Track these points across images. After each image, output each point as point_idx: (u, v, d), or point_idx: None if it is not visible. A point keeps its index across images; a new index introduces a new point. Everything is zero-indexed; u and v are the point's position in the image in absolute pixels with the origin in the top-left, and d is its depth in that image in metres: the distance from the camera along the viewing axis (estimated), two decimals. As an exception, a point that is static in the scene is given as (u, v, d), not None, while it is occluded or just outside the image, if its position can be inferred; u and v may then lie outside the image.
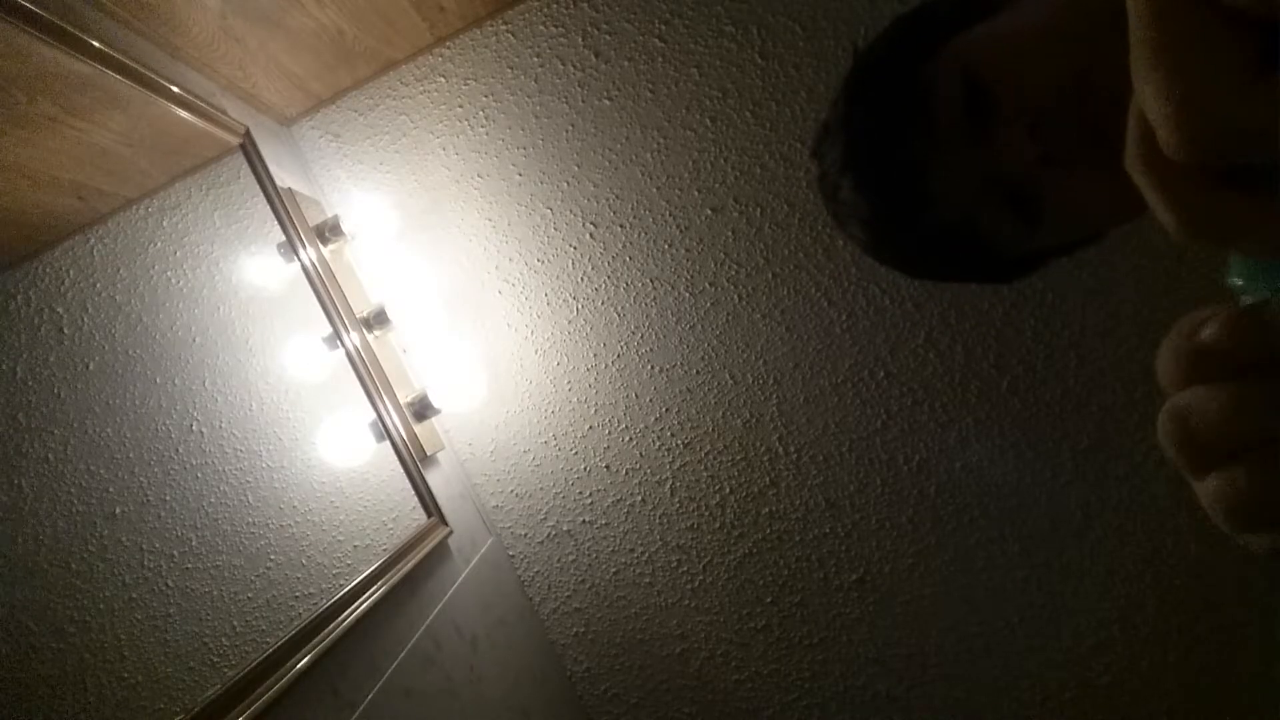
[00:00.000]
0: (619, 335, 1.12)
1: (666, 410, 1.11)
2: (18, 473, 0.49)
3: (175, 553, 0.58)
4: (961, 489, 1.06)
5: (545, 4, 1.09)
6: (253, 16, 0.91)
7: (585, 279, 1.12)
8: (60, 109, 0.65)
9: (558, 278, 1.12)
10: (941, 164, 0.54)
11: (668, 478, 1.12)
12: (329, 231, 1.04)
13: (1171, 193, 0.17)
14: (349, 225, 1.05)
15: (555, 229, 1.12)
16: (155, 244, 0.72)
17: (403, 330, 1.13)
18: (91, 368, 0.58)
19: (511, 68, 1.11)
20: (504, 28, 1.10)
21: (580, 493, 1.14)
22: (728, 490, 1.11)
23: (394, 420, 0.96)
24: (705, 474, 1.11)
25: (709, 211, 1.08)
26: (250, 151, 0.94)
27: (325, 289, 0.96)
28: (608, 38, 1.08)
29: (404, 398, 1.02)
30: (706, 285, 1.09)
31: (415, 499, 0.95)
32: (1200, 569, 1.02)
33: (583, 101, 1.10)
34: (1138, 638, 1.04)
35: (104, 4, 0.77)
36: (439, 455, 1.08)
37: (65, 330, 0.57)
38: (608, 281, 1.11)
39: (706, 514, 1.12)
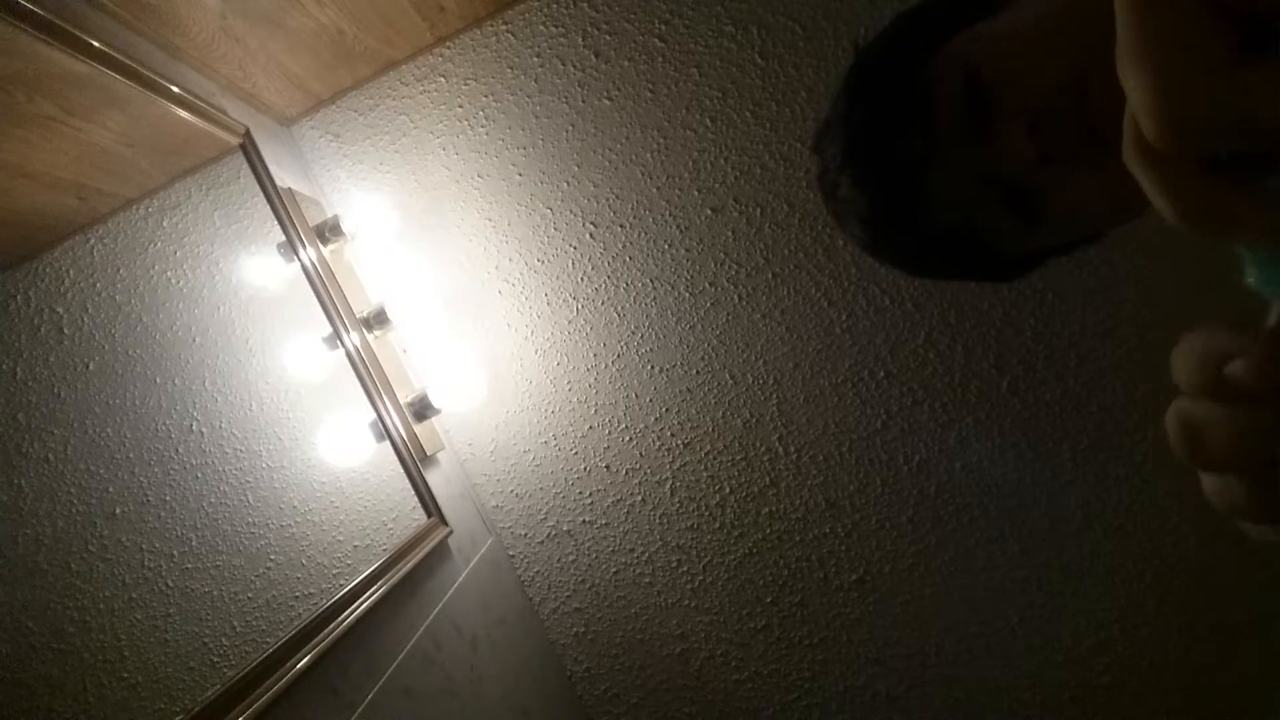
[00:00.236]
0: (619, 335, 1.12)
1: (666, 410, 1.11)
2: (18, 473, 0.49)
3: (175, 553, 0.58)
4: (961, 489, 1.06)
5: (545, 4, 1.09)
6: (253, 16, 0.91)
7: (585, 279, 1.12)
8: (60, 109, 0.65)
9: (558, 278, 1.12)
10: (941, 162, 0.54)
11: (668, 478, 1.12)
12: (329, 231, 1.04)
13: (1167, 181, 0.17)
14: (349, 225, 1.05)
15: (555, 229, 1.12)
16: (155, 244, 0.72)
17: (403, 330, 1.13)
18: (91, 368, 0.58)
19: (511, 68, 1.11)
20: (504, 28, 1.10)
21: (580, 493, 1.14)
22: (728, 490, 1.11)
23: (394, 420, 0.96)
24: (705, 474, 1.11)
25: (709, 211, 1.08)
26: (250, 151, 0.94)
27: (325, 289, 0.96)
28: (608, 38, 1.08)
29: (404, 398, 1.02)
30: (706, 285, 1.09)
31: (415, 499, 0.95)
32: (1200, 569, 1.02)
33: (583, 101, 1.10)
34: (1138, 638, 1.04)
35: (104, 4, 0.77)
36: (439, 455, 1.08)
37: (65, 330, 0.57)
38: (608, 281, 1.11)
39: (706, 514, 1.12)
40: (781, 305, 1.07)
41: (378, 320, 1.03)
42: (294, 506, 0.75)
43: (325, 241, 1.03)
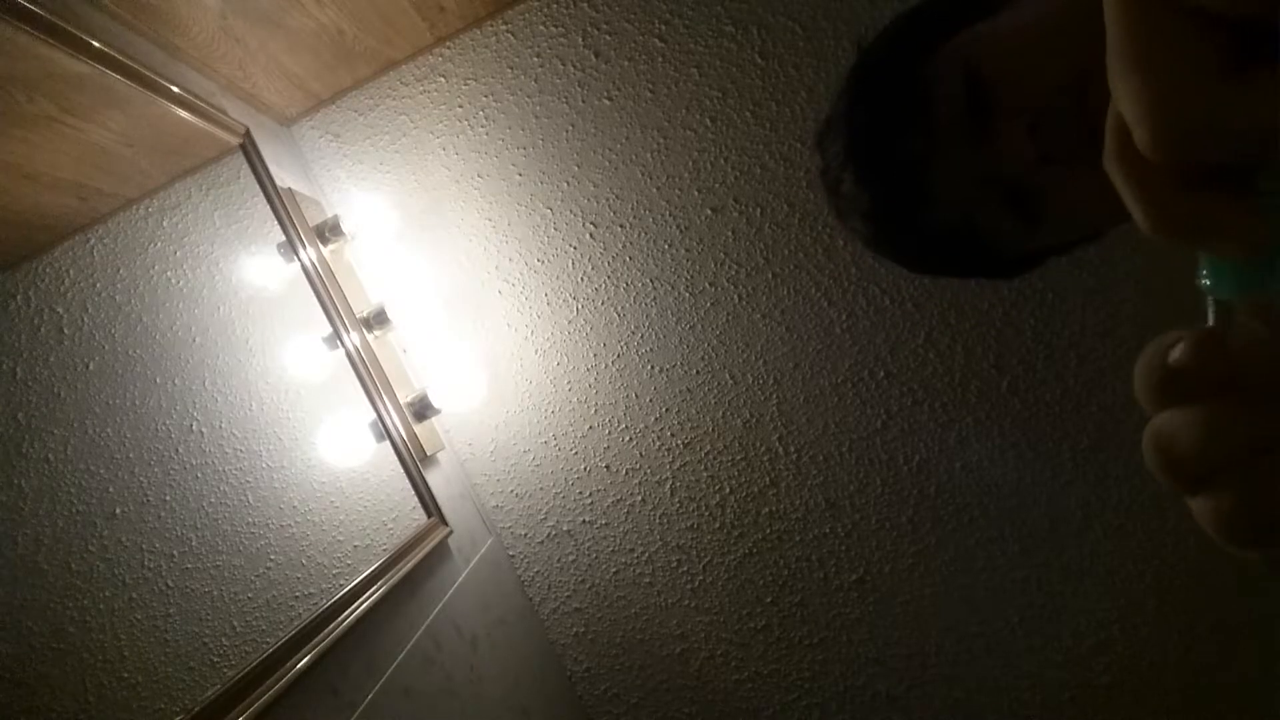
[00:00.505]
0: (619, 335, 1.12)
1: (666, 410, 1.11)
2: (18, 473, 0.49)
3: (175, 553, 0.58)
4: (961, 489, 1.06)
5: (545, 4, 1.09)
6: (253, 16, 0.91)
7: (585, 279, 1.12)
8: (60, 109, 0.65)
9: (558, 278, 1.12)
10: (941, 161, 0.54)
11: (668, 478, 1.12)
12: (329, 231, 1.04)
13: (1144, 191, 0.17)
14: (349, 225, 1.05)
15: (555, 229, 1.12)
16: (155, 244, 0.72)
17: (403, 330, 1.13)
18: (91, 368, 0.58)
19: (511, 68, 1.11)
20: (504, 28, 1.10)
21: (580, 493, 1.14)
22: (728, 490, 1.11)
23: (394, 420, 0.96)
24: (705, 474, 1.11)
25: (709, 211, 1.08)
26: (250, 151, 0.94)
27: (325, 289, 0.96)
28: (608, 38, 1.08)
29: (404, 398, 1.02)
30: (706, 285, 1.09)
31: (415, 499, 0.95)
32: (1200, 569, 1.02)
33: (583, 101, 1.10)
34: (1138, 638, 1.04)
35: (104, 4, 0.77)
36: (439, 455, 1.08)
37: (65, 330, 0.57)
38: (608, 281, 1.11)
39: (706, 514, 1.12)
40: (781, 305, 1.07)
41: (378, 320, 1.03)
42: (294, 506, 0.75)
43: (325, 241, 1.03)
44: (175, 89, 0.81)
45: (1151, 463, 0.18)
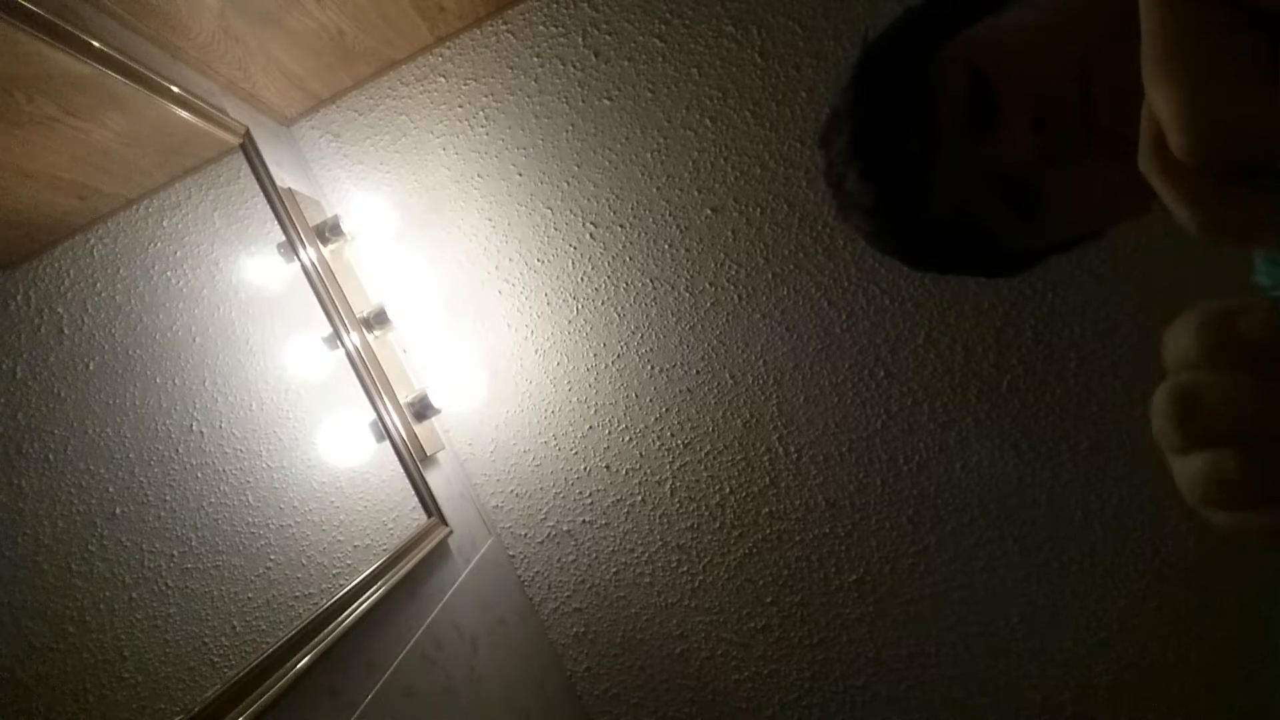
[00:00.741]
0: (619, 335, 1.12)
1: (666, 410, 1.11)
2: (18, 473, 0.49)
3: (175, 553, 0.58)
4: (961, 489, 1.06)
5: (545, 4, 1.09)
6: (253, 16, 0.91)
7: (585, 279, 1.12)
8: (60, 109, 0.65)
9: (558, 278, 1.12)
10: (944, 158, 0.54)
11: (668, 478, 1.12)
12: (329, 231, 1.04)
13: (1188, 193, 0.17)
14: (349, 225, 1.05)
15: (555, 229, 1.12)
16: (155, 244, 0.72)
17: (403, 330, 1.13)
18: (91, 368, 0.58)
19: (511, 68, 1.11)
20: (504, 28, 1.10)
21: (580, 493, 1.14)
22: (728, 490, 1.11)
23: (394, 420, 0.96)
24: (705, 474, 1.11)
25: (709, 211, 1.08)
26: (250, 151, 0.94)
27: (325, 289, 0.96)
28: (608, 38, 1.08)
29: (404, 398, 1.02)
30: (706, 285, 1.09)
31: (415, 499, 0.95)
32: (1200, 569, 1.02)
33: (583, 101, 1.10)
34: (1138, 638, 1.04)
35: (104, 4, 0.77)
36: (439, 455, 1.08)
37: (65, 330, 0.57)
38: (608, 281, 1.11)
39: (706, 514, 1.12)
40: (781, 305, 1.07)
41: (378, 320, 1.03)
42: (294, 506, 0.75)
43: (325, 241, 1.03)
44: (175, 89, 0.81)
45: (1168, 412, 0.18)
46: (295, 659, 0.63)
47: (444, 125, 1.13)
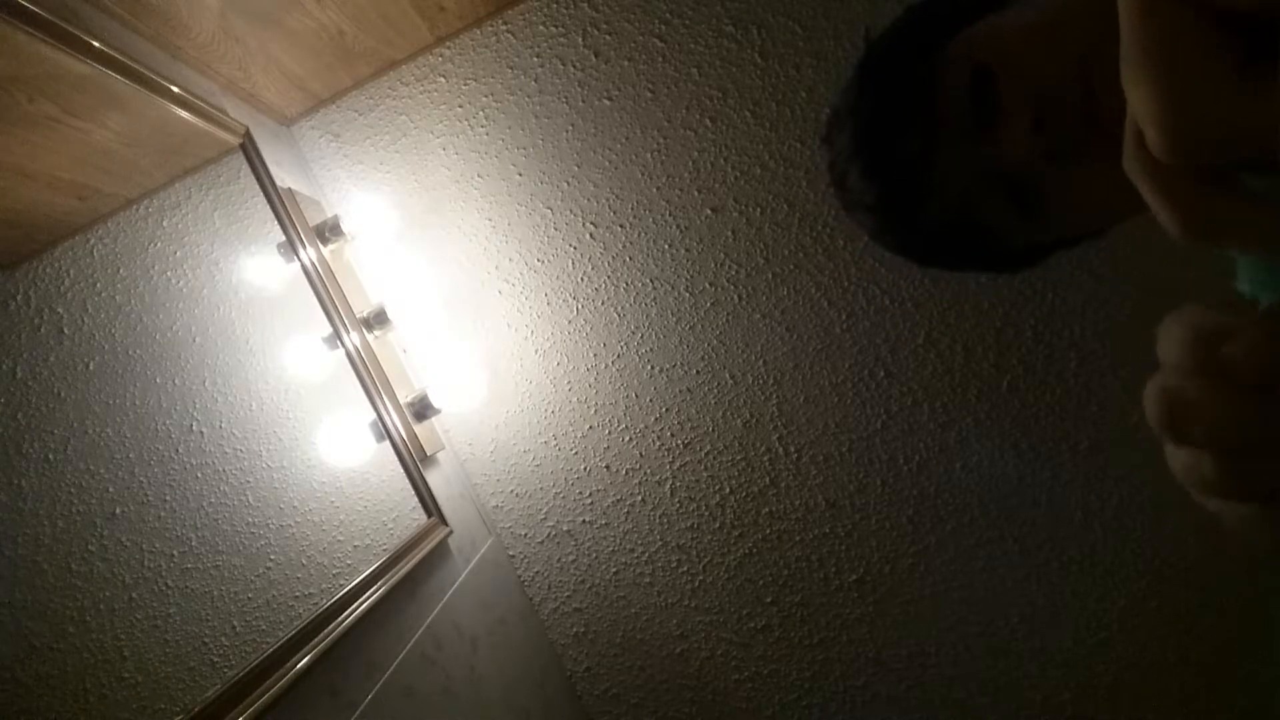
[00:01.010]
0: (619, 335, 1.12)
1: (666, 410, 1.11)
2: (18, 473, 0.49)
3: (175, 553, 0.58)
4: (961, 489, 1.06)
5: (545, 4, 1.09)
6: (253, 16, 0.91)
7: (585, 279, 1.12)
8: (60, 109, 0.65)
9: (558, 278, 1.12)
10: (946, 155, 0.54)
11: (668, 478, 1.12)
12: (329, 231, 1.04)
13: (1169, 194, 0.17)
14: (349, 225, 1.05)
15: (555, 229, 1.12)
16: (155, 244, 0.72)
17: (403, 330, 1.13)
18: (91, 368, 0.58)
19: (511, 68, 1.11)
20: (504, 28, 1.10)
21: (580, 493, 1.14)
22: (728, 490, 1.11)
23: (394, 420, 0.96)
24: (705, 474, 1.11)
25: (709, 211, 1.08)
26: (250, 151, 0.94)
27: (325, 289, 0.96)
28: (608, 38, 1.08)
29: (404, 398, 1.02)
30: (706, 285, 1.09)
31: (415, 499, 0.95)
32: (1200, 568, 1.02)
33: (583, 101, 1.10)
34: (1138, 638, 1.04)
35: (104, 4, 0.77)
36: (439, 455, 1.08)
37: (65, 330, 0.57)
38: (608, 281, 1.11)
39: (706, 514, 1.12)
40: (781, 305, 1.07)
41: (378, 320, 1.03)
42: (294, 506, 0.75)
43: (325, 241, 1.03)
44: (175, 89, 0.81)
45: (1156, 413, 0.19)
46: (295, 659, 0.63)
47: (444, 125, 1.13)
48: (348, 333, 0.96)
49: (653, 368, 1.11)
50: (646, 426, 1.12)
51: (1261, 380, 0.17)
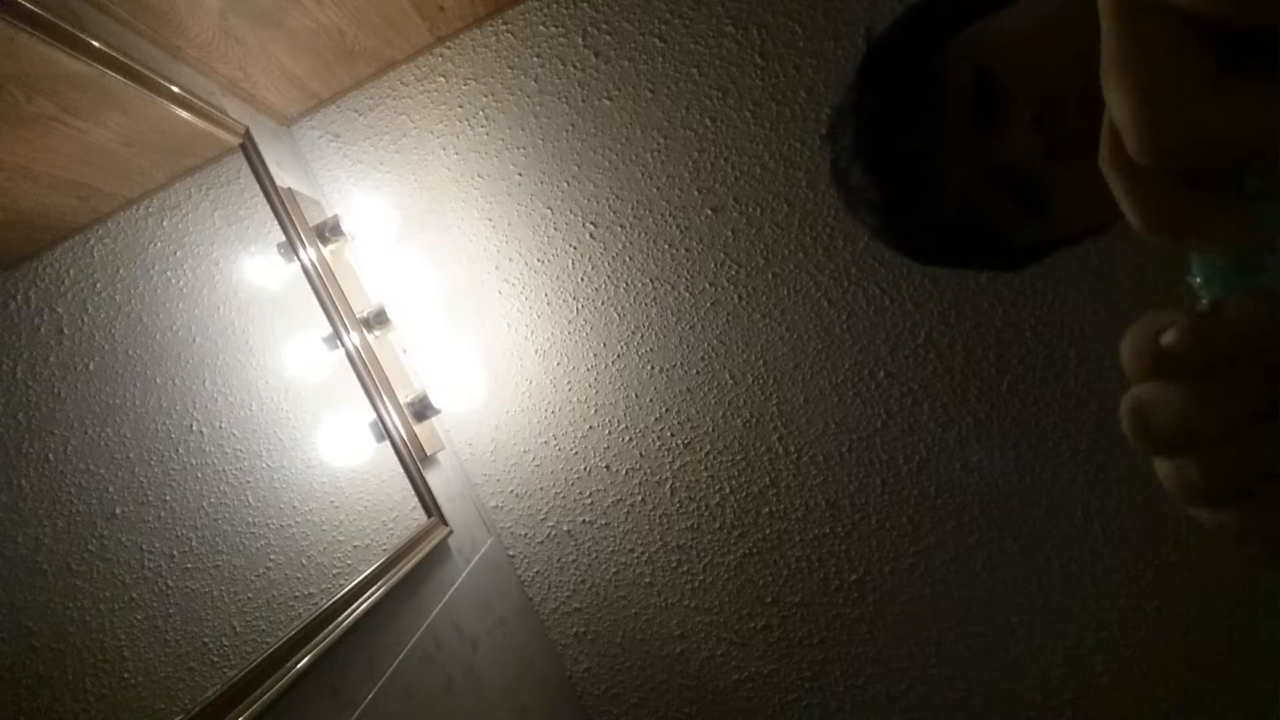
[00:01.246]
0: (619, 335, 1.12)
1: (666, 410, 1.11)
2: (18, 473, 0.49)
3: (175, 553, 0.58)
4: (961, 489, 1.06)
5: (545, 4, 1.09)
6: (253, 16, 0.91)
7: (585, 279, 1.12)
8: (60, 109, 0.65)
9: (558, 278, 1.12)
10: (948, 153, 0.54)
11: (668, 478, 1.12)
12: (329, 231, 1.04)
13: (1135, 192, 0.18)
14: (349, 225, 1.05)
15: (555, 229, 1.12)
16: (155, 244, 0.72)
17: (403, 330, 1.13)
18: (91, 368, 0.58)
19: (511, 68, 1.11)
20: (504, 28, 1.10)
21: (580, 493, 1.14)
22: (728, 490, 1.11)
23: (394, 420, 0.96)
24: (705, 474, 1.11)
25: (709, 211, 1.08)
26: (250, 151, 0.94)
27: (325, 289, 0.96)
28: (608, 38, 1.08)
29: (404, 398, 1.02)
30: (706, 285, 1.09)
31: (415, 499, 0.95)
32: (1200, 568, 1.02)
33: (583, 101, 1.10)
34: (1138, 638, 1.04)
35: (104, 4, 0.77)
36: (439, 455, 1.08)
37: (65, 330, 0.57)
38: (608, 281, 1.11)
39: (706, 514, 1.12)
40: (781, 305, 1.07)
41: (378, 320, 1.03)
42: (294, 506, 0.75)
43: (325, 241, 1.03)
44: (175, 89, 0.81)
45: (1127, 427, 0.20)
46: (295, 659, 0.63)
47: (444, 125, 1.13)
48: (348, 333, 0.96)
49: (653, 368, 1.11)
50: (646, 426, 1.12)
51: (1205, 363, 0.18)
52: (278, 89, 1.07)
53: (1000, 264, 0.68)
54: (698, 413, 1.11)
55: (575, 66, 1.09)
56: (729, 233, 1.08)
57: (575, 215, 1.11)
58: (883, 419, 1.07)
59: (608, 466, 1.13)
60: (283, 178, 1.01)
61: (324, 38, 1.01)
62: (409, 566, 0.84)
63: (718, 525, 1.12)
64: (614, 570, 1.15)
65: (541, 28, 1.09)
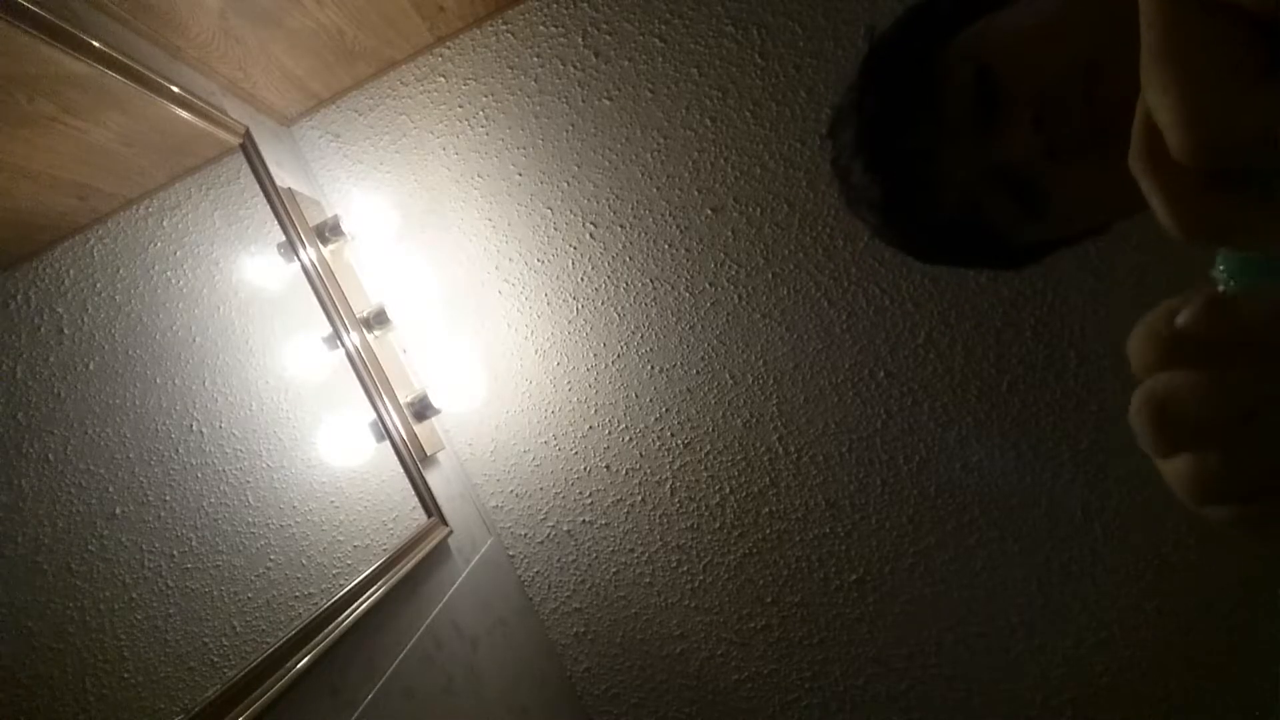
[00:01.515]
0: (619, 335, 1.12)
1: (666, 410, 1.11)
2: (18, 473, 0.49)
3: (175, 553, 0.58)
4: (961, 489, 1.06)
5: (545, 4, 1.09)
6: (253, 16, 0.91)
7: (585, 279, 1.12)
8: (60, 109, 0.65)
9: (558, 278, 1.12)
10: (949, 152, 0.55)
11: (668, 478, 1.12)
12: (329, 231, 1.04)
13: (1171, 194, 0.17)
14: (349, 225, 1.05)
15: (555, 229, 1.12)
16: (155, 244, 0.72)
17: (403, 330, 1.13)
18: (91, 368, 0.58)
19: (511, 68, 1.11)
20: (504, 28, 1.10)
21: (580, 493, 1.14)
22: (728, 490, 1.11)
23: (394, 420, 0.96)
24: (705, 474, 1.11)
25: (709, 211, 1.08)
26: (250, 151, 0.94)
27: (325, 289, 0.96)
28: (608, 38, 1.08)
29: (404, 398, 1.02)
30: (706, 285, 1.09)
31: (415, 499, 0.95)
32: (1200, 569, 1.02)
33: (583, 101, 1.10)
34: (1138, 638, 1.04)
35: (104, 4, 0.77)
36: (439, 455, 1.08)
37: (65, 330, 0.57)
38: (608, 281, 1.11)
39: (706, 514, 1.12)
40: (781, 305, 1.07)
41: (378, 320, 1.03)
42: (294, 506, 0.75)
43: (325, 241, 1.03)
44: (175, 89, 0.81)
45: (1142, 420, 0.19)
46: (295, 659, 0.63)
47: (444, 125, 1.13)
48: (348, 333, 0.96)
49: (653, 368, 1.11)
50: (646, 426, 1.12)
51: (1225, 346, 0.17)
52: (278, 89, 1.07)
53: (1000, 264, 0.68)
54: (698, 413, 1.11)
55: (575, 66, 1.09)
56: (729, 233, 1.08)
57: (575, 215, 1.11)
58: (883, 419, 1.07)
59: (608, 466, 1.13)
60: (283, 178, 1.01)
61: (324, 38, 1.01)
62: (409, 566, 0.84)
63: (718, 525, 1.12)
64: (614, 570, 1.15)
65: (541, 28, 1.09)
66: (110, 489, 0.55)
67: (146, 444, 0.59)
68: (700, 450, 1.11)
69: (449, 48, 1.12)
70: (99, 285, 0.62)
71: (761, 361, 1.09)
